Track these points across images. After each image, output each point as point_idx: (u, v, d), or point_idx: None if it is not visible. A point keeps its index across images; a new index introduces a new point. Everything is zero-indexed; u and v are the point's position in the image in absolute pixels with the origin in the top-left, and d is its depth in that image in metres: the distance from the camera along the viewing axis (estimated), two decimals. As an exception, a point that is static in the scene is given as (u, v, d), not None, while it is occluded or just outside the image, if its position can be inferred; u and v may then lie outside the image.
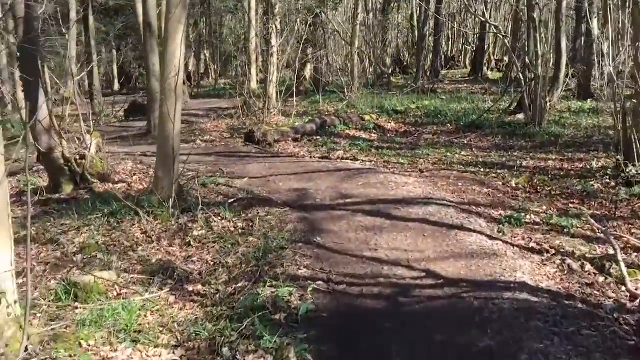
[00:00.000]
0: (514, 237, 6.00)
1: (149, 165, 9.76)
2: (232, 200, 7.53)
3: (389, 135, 13.86)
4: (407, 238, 5.93)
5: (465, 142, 12.25)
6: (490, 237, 5.92)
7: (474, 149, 11.36)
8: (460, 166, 9.53)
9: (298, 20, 20.95)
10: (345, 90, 20.03)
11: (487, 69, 29.91)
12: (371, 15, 28.95)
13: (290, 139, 12.23)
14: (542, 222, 6.48)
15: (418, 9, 29.37)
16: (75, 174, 8.75)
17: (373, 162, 10.01)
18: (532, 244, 5.79)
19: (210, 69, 39.24)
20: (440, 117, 15.27)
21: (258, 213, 7.00)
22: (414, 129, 14.43)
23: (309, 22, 23.65)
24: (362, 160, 10.19)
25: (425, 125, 14.71)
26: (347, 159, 10.38)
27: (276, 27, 16.49)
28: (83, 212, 7.24)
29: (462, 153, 10.87)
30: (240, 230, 6.61)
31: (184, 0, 7.26)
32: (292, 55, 19.76)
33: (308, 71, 26.18)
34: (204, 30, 38.26)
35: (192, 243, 6.43)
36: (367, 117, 15.28)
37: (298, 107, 19.60)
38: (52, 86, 16.59)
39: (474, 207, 7.00)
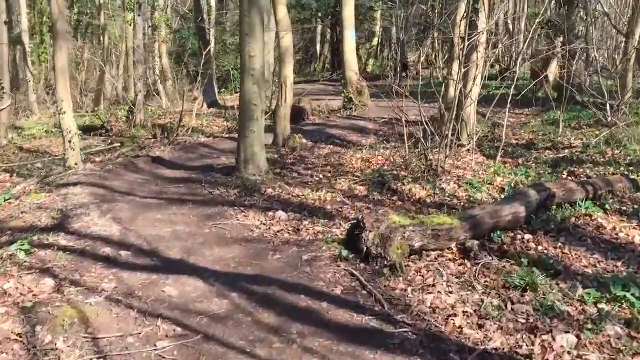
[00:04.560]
0: None
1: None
2: None
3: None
4: None
5: None
6: None
7: None
8: None
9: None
10: (608, 108, 12.05)
11: None
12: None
13: (454, 243, 5.36)
14: None
15: None
16: None
17: None
18: None
19: (438, 59, 32.53)
20: None
21: None
22: None
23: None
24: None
25: None
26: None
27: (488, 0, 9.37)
28: None
29: None
30: None
31: None
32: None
33: (552, 72, 18.05)
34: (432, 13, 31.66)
35: None
36: (648, 181, 7.55)
37: (522, 132, 12.24)
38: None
39: None
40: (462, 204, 7.15)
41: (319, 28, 36.64)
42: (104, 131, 15.17)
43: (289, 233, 5.90)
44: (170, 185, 8.11)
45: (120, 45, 24.27)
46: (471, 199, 7.28)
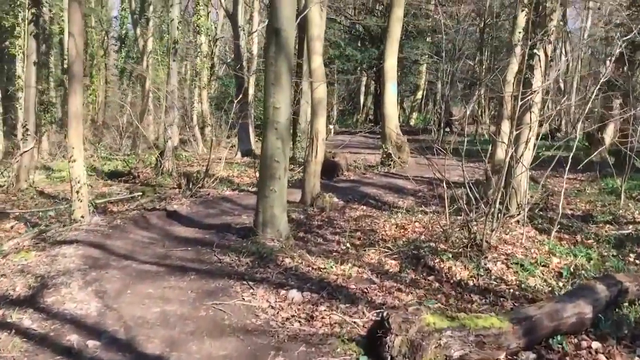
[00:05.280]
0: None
1: None
2: None
3: None
4: None
5: None
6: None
7: None
8: None
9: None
10: (674, 179, 10.82)
11: None
12: None
13: (503, 353, 4.25)
14: None
15: None
16: None
17: None
18: None
19: (483, 113, 31.36)
20: None
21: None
22: None
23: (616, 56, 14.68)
24: None
25: None
26: None
27: (544, 52, 8.40)
28: None
29: None
30: None
31: None
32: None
33: (609, 135, 16.78)
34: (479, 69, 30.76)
35: None
36: None
37: (578, 201, 11.00)
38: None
39: None
40: (511, 290, 6.03)
41: (364, 79, 36.25)
42: (130, 177, 14.65)
43: (299, 322, 4.89)
44: (178, 247, 7.24)
45: (162, 90, 24.25)
46: (522, 285, 6.15)
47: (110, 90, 36.14)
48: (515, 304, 5.71)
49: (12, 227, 8.79)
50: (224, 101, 25.74)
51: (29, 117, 12.34)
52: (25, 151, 12.41)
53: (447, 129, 24.90)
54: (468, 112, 32.05)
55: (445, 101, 24.30)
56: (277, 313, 5.07)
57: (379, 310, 5.12)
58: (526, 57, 7.98)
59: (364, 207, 10.28)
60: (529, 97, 8.10)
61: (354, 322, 4.92)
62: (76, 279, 5.45)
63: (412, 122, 33.21)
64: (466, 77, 30.50)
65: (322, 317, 5.00)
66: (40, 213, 10.11)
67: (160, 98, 24.76)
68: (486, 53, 30.86)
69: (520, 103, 7.67)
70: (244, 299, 5.39)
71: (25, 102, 12.43)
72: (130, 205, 10.62)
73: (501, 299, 5.82)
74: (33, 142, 12.70)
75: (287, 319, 4.95)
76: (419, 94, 35.16)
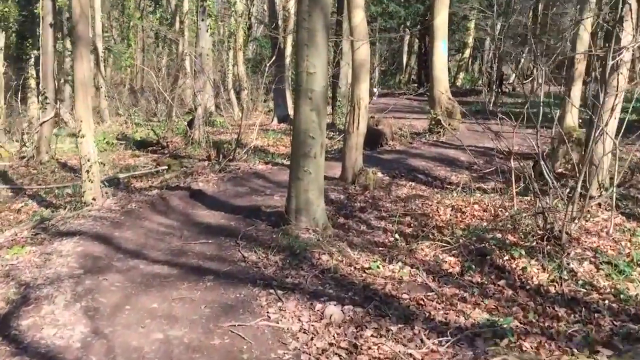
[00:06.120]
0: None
1: None
2: None
3: None
4: None
5: None
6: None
7: None
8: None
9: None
10: None
11: None
12: None
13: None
14: None
15: None
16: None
17: None
18: None
19: (535, 73, 29.18)
20: None
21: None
22: None
23: None
24: None
25: None
26: None
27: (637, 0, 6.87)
28: None
29: None
30: None
31: None
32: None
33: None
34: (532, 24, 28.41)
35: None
36: None
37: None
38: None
39: None
40: (606, 302, 4.76)
41: (407, 38, 34.31)
42: (159, 147, 13.73)
43: (339, 356, 3.78)
44: (198, 238, 6.21)
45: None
46: (621, 295, 4.86)
47: (148, 54, 35.29)
48: (615, 323, 4.47)
49: (19, 210, 7.94)
50: (261, 63, 24.51)
51: (47, 84, 11.41)
52: (45, 121, 11.55)
53: (499, 89, 23.10)
54: (519, 70, 29.95)
55: (497, 59, 22.36)
56: (311, 340, 3.97)
57: (441, 339, 3.97)
58: (618, 7, 6.47)
59: (413, 184, 9.05)
60: (617, 56, 6.62)
61: (410, 356, 3.79)
62: (64, 291, 4.44)
63: (458, 83, 31.29)
64: (519, 33, 28.31)
65: (369, 347, 3.88)
66: (57, 190, 9.27)
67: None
68: (540, 6, 28.63)
69: (610, 63, 6.23)
70: (269, 317, 4.30)
71: (43, 68, 11.48)
72: (153, 182, 9.70)
73: (595, 315, 4.58)
74: (53, 111, 11.80)
75: (324, 350, 3.84)
76: (467, 53, 33.05)
